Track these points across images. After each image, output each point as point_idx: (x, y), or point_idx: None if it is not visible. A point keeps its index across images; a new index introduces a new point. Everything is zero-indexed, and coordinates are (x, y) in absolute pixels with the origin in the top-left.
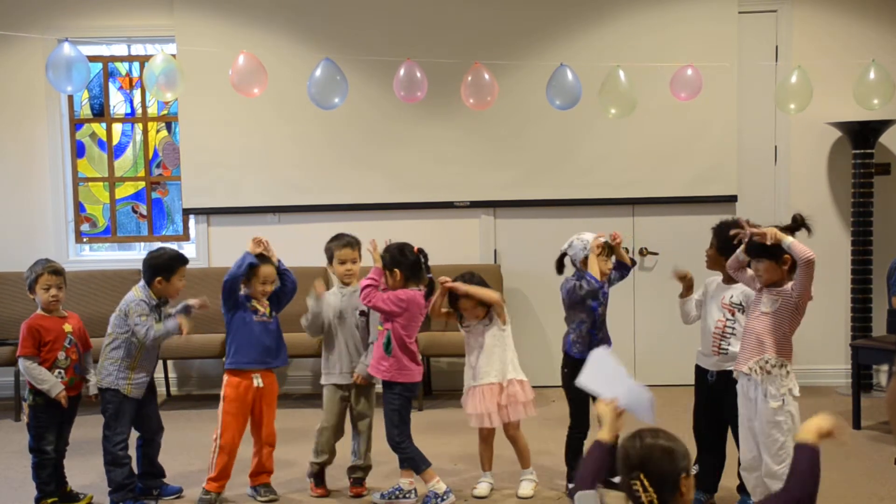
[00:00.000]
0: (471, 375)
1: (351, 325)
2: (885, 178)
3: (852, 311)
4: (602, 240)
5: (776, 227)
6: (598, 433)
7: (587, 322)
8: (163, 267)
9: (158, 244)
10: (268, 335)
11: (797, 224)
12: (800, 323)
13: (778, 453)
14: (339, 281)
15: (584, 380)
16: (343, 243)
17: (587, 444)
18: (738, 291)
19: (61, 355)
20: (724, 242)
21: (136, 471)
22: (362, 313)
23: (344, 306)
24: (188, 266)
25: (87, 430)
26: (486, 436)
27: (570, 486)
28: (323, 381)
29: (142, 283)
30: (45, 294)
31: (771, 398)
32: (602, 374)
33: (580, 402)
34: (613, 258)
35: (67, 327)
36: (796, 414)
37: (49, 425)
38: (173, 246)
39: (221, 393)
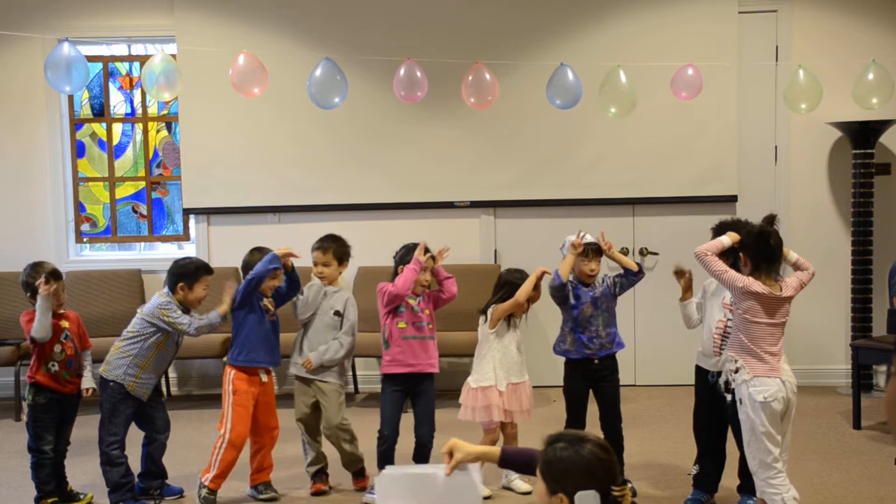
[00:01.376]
0: (515, 371)
1: (325, 323)
2: (885, 178)
3: (852, 311)
4: (581, 239)
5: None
6: None
7: (570, 321)
8: (187, 274)
9: (159, 244)
10: (275, 335)
11: (768, 223)
12: (750, 321)
13: (748, 451)
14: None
15: None
16: (315, 247)
17: None
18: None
19: (57, 348)
20: None
21: (140, 468)
22: (337, 313)
23: (324, 305)
24: None
25: (87, 430)
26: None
27: None
28: (291, 370)
29: (165, 289)
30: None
31: (734, 395)
32: (400, 495)
33: (576, 402)
34: (601, 260)
35: (64, 323)
36: (756, 419)
37: (48, 425)
38: (173, 246)
39: (228, 388)
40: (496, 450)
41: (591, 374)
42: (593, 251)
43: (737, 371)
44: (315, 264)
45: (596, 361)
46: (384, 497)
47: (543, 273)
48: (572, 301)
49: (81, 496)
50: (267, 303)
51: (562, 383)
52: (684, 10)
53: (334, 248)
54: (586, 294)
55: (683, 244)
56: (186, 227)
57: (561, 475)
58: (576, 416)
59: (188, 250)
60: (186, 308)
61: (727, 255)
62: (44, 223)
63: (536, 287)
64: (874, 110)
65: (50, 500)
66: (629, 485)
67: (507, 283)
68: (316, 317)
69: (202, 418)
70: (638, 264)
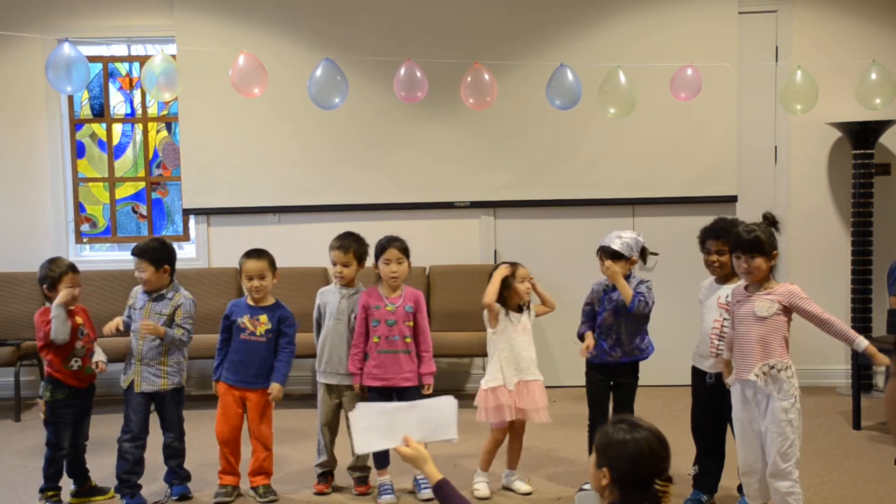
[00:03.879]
0: (526, 369)
1: (345, 326)
2: (885, 178)
3: (852, 311)
4: (588, 348)
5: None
6: (431, 476)
7: (596, 327)
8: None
9: None
10: (252, 355)
11: (768, 222)
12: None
13: (787, 451)
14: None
15: (362, 446)
16: (336, 245)
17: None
18: (732, 290)
19: (78, 345)
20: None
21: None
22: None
23: (341, 307)
24: (187, 266)
25: (101, 429)
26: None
27: (587, 485)
28: (318, 378)
29: None
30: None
31: (783, 398)
32: (375, 428)
33: (594, 402)
34: (620, 262)
35: (78, 320)
36: (800, 419)
37: (68, 421)
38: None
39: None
40: (436, 476)
41: (610, 377)
42: (605, 255)
43: (786, 368)
44: (334, 264)
45: (616, 367)
46: (360, 423)
47: (506, 274)
48: (597, 307)
49: (107, 489)
50: (246, 321)
51: (562, 383)
52: (684, 10)
53: (355, 248)
54: (610, 302)
55: (683, 244)
56: (186, 228)
57: (611, 452)
58: (597, 414)
59: (188, 251)
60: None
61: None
62: (44, 223)
63: (509, 287)
64: (874, 111)
65: (50, 493)
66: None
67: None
68: (341, 322)
69: (201, 418)
70: (633, 300)
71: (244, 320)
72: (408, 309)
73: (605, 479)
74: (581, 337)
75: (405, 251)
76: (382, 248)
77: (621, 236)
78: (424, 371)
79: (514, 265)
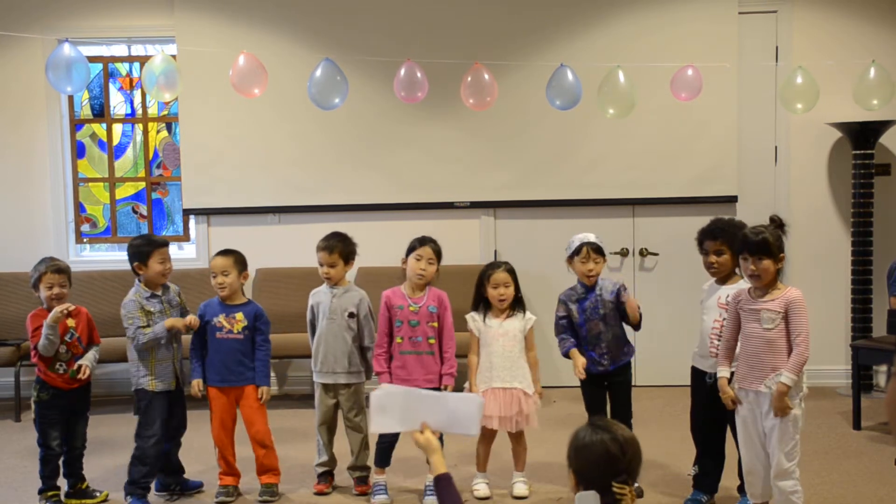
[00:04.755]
0: (500, 376)
1: (339, 325)
2: (885, 178)
3: (852, 312)
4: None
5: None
6: (436, 467)
7: (579, 338)
8: (136, 253)
9: None
10: (229, 353)
11: (776, 224)
12: None
13: (792, 451)
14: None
15: (378, 426)
16: (321, 246)
17: None
18: (733, 290)
19: (62, 348)
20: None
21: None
22: (351, 314)
23: (334, 306)
24: (187, 266)
25: (100, 430)
26: (490, 436)
27: None
28: (314, 378)
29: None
30: (47, 292)
31: (788, 398)
32: (394, 410)
33: (593, 406)
34: (602, 260)
35: (71, 322)
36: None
37: (54, 421)
38: (174, 246)
39: None
40: (441, 469)
41: (604, 380)
42: (592, 250)
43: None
44: (321, 265)
45: (607, 373)
46: (379, 403)
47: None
48: (577, 318)
49: (97, 493)
50: (222, 320)
51: (562, 383)
52: (684, 10)
53: (340, 248)
54: (594, 312)
55: (683, 244)
56: (186, 228)
57: (575, 454)
58: (599, 412)
59: (188, 251)
60: (160, 289)
61: (734, 259)
62: (44, 223)
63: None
64: (874, 111)
65: (50, 493)
66: (634, 486)
67: (477, 282)
68: (333, 321)
69: (202, 418)
70: (640, 322)
71: (220, 319)
72: (431, 309)
73: (572, 480)
74: (566, 355)
75: (438, 254)
76: (417, 245)
77: (592, 236)
78: (444, 371)
79: (489, 267)
